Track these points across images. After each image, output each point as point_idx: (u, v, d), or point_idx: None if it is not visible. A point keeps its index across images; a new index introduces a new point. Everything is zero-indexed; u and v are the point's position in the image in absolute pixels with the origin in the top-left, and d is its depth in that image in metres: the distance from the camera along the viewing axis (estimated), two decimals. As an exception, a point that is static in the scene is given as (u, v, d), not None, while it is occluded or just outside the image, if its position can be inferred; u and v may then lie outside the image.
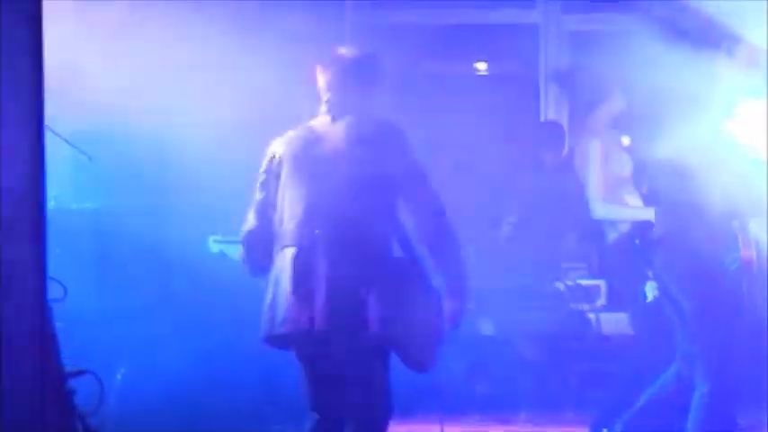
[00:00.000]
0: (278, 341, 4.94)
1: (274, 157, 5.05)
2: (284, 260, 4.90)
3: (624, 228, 6.81)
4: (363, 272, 4.81)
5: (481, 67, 10.17)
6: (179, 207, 6.89)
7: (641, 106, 6.70)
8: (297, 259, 4.86)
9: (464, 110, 8.06)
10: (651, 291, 6.76)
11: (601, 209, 6.80)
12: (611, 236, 6.89)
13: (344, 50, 5.13)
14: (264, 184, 5.07)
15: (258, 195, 5.08)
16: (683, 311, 5.82)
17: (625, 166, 6.84)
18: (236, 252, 5.24)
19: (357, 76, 5.05)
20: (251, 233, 5.08)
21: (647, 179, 6.72)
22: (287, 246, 4.92)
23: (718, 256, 5.68)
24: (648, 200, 6.70)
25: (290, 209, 4.94)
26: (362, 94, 5.06)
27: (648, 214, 6.68)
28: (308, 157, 4.96)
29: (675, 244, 5.76)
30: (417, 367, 4.96)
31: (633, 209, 6.80)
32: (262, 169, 5.09)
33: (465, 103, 8.15)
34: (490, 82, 9.99)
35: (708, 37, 5.80)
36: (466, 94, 8.58)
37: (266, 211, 5.05)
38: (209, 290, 6.68)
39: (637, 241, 6.71)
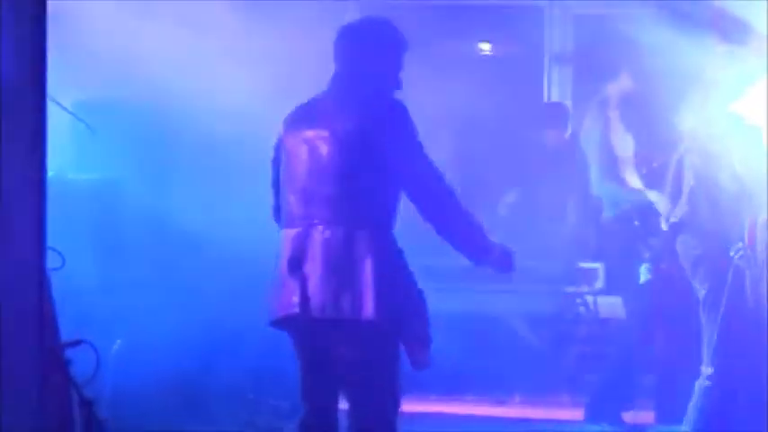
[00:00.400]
0: (277, 326, 4.86)
1: (280, 133, 4.94)
2: (280, 243, 4.83)
3: (625, 207, 6.83)
4: (357, 257, 4.66)
5: (485, 47, 10.15)
6: (180, 178, 6.88)
7: (645, 87, 6.70)
8: (291, 242, 4.77)
9: (467, 90, 8.04)
10: (645, 273, 6.77)
11: (602, 187, 6.83)
12: (612, 213, 6.91)
13: (349, 22, 5.01)
14: (274, 162, 4.99)
15: (271, 173, 5.01)
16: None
17: (628, 147, 6.85)
18: None
19: (361, 48, 4.89)
20: (273, 208, 5.02)
21: (649, 160, 6.72)
22: (284, 228, 4.85)
23: (726, 242, 5.67)
24: (651, 182, 6.70)
25: (288, 188, 4.85)
26: (368, 67, 4.86)
27: (650, 196, 6.69)
28: (306, 135, 4.81)
29: (689, 227, 5.73)
30: (414, 364, 4.79)
31: (634, 189, 6.81)
32: (273, 146, 5.00)
33: (468, 83, 8.13)
34: (494, 63, 9.97)
35: (713, 20, 5.79)
36: (469, 74, 8.56)
37: (278, 187, 4.96)
38: (207, 262, 6.68)
39: (636, 222, 6.72)
